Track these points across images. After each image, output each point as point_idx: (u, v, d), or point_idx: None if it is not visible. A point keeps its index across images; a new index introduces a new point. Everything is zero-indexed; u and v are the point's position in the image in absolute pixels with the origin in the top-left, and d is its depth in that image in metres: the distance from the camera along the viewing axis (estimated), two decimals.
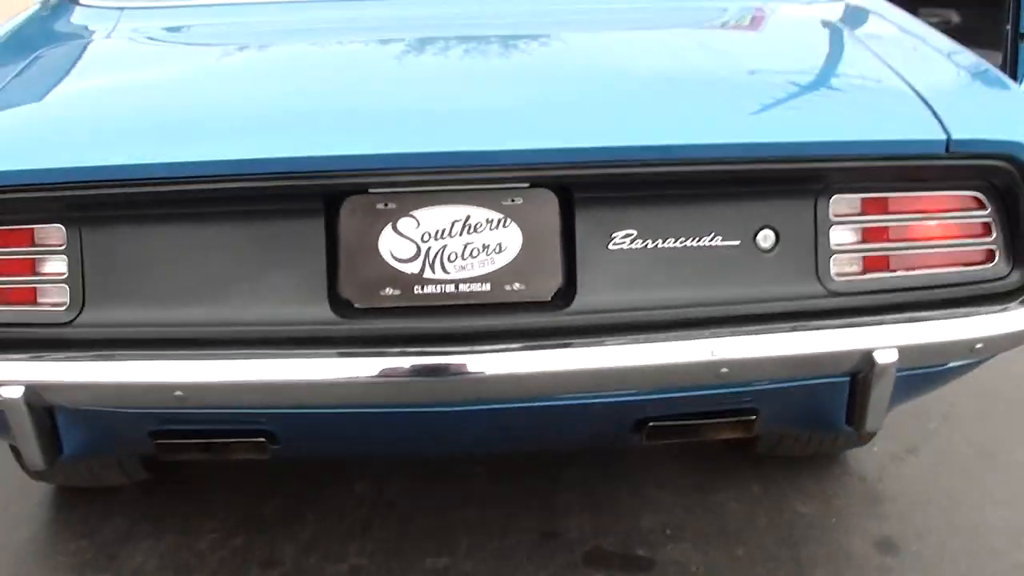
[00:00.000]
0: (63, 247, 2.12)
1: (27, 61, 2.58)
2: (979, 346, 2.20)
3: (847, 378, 2.21)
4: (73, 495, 3.30)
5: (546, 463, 3.38)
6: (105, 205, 2.12)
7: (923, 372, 2.29)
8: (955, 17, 4.06)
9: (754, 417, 2.34)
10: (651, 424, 2.31)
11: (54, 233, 2.13)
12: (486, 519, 3.13)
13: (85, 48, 2.77)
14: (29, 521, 3.23)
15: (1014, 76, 3.36)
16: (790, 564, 2.93)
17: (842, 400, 2.25)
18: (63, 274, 2.13)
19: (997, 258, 2.24)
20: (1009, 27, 3.56)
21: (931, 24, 3.84)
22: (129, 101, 2.38)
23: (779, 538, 3.04)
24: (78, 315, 2.13)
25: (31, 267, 2.14)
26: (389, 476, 3.33)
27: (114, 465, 3.08)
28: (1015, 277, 2.23)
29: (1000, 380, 3.79)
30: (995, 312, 2.20)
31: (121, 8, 2.88)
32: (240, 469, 3.38)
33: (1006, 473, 3.35)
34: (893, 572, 2.91)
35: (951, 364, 2.33)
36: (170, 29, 2.87)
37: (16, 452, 2.97)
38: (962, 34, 4.00)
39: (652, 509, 3.17)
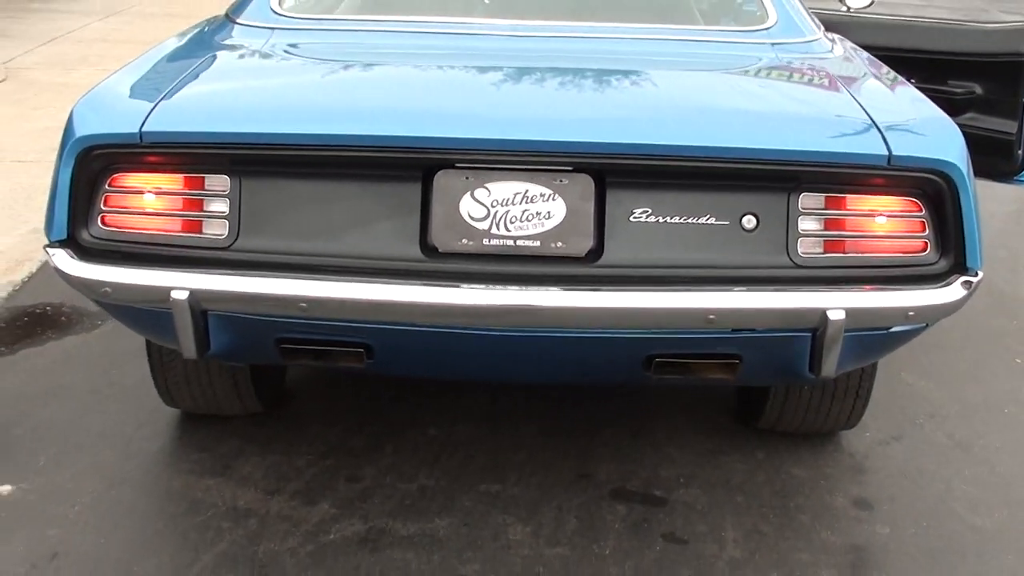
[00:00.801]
0: (226, 192, 2.79)
1: (201, 60, 3.27)
2: (911, 314, 2.77)
3: (808, 333, 2.79)
4: (194, 421, 3.90)
5: (585, 424, 3.96)
6: (261, 162, 2.79)
7: (871, 333, 2.86)
8: (979, 89, 4.49)
9: (738, 362, 2.91)
10: (657, 359, 2.89)
11: (221, 181, 2.79)
12: (533, 461, 3.73)
13: (246, 55, 3.47)
14: (159, 437, 3.84)
15: None
16: (780, 510, 3.50)
17: (805, 351, 2.83)
18: (225, 212, 2.79)
19: (929, 249, 2.81)
20: None
21: (958, 94, 4.36)
22: (282, 91, 3.10)
23: (774, 491, 3.60)
24: (233, 243, 2.78)
25: (201, 205, 2.80)
26: (457, 424, 3.93)
27: (233, 393, 3.69)
28: (942, 264, 2.80)
29: (985, 393, 4.38)
30: (925, 289, 2.77)
31: (272, 28, 3.57)
32: (333, 409, 4.03)
33: (977, 460, 3.85)
34: (864, 522, 3.46)
35: (894, 329, 2.88)
36: (311, 44, 3.56)
37: (154, 368, 3.60)
38: (984, 104, 4.42)
39: (670, 463, 3.74)
